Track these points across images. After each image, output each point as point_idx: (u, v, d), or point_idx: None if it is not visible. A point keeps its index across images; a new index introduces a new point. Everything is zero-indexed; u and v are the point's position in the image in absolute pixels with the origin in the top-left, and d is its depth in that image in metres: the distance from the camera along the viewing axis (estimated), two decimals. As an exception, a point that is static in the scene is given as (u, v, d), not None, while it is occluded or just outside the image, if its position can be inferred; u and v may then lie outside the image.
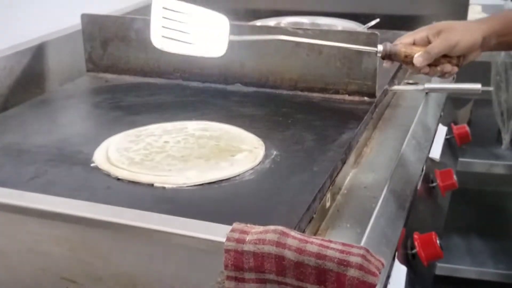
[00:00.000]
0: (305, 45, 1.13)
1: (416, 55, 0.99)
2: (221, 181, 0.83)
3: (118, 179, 0.84)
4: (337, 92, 1.14)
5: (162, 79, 1.23)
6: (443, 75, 1.02)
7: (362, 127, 1.02)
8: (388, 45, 1.00)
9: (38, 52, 1.21)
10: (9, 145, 0.94)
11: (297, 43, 1.13)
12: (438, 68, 1.01)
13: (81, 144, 0.94)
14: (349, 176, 0.95)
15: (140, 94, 1.16)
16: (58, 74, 1.26)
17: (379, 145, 1.06)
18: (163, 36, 1.01)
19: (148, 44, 1.21)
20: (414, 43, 1.02)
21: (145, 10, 1.30)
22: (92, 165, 0.88)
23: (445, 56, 1.00)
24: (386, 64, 1.03)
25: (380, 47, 0.99)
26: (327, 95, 1.14)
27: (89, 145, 0.93)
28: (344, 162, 0.92)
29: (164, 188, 0.82)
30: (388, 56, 0.99)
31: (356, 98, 1.12)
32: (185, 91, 1.17)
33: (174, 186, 0.82)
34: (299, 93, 1.15)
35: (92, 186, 0.83)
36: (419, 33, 1.02)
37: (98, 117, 1.08)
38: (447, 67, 1.00)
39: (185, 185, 0.82)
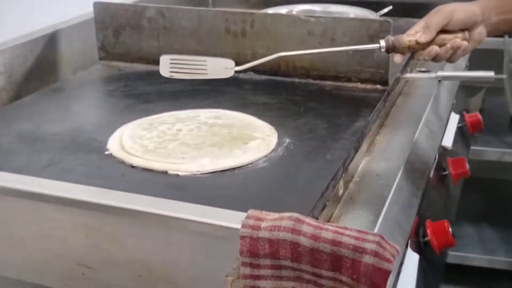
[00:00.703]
0: (318, 33, 1.13)
1: (418, 35, 0.98)
2: (234, 168, 0.84)
3: (132, 166, 0.85)
4: (349, 80, 1.14)
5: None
6: (456, 53, 1.00)
7: (375, 115, 1.02)
8: (390, 38, 0.99)
9: (51, 41, 1.22)
10: (23, 133, 0.95)
11: (310, 31, 1.13)
12: (448, 45, 0.99)
13: (94, 132, 0.95)
14: (361, 164, 0.96)
15: (153, 82, 1.17)
16: (71, 62, 1.27)
17: (391, 133, 1.07)
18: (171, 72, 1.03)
19: (160, 32, 1.23)
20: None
21: (157, -2, 1.31)
22: (106, 153, 0.88)
23: (449, 32, 0.99)
24: (396, 58, 1.01)
25: (382, 42, 0.99)
26: (339, 83, 1.14)
27: (103, 133, 0.94)
28: (356, 150, 0.92)
29: (178, 175, 0.82)
30: (392, 48, 0.99)
31: (369, 86, 1.13)
32: (197, 80, 1.18)
33: (188, 173, 0.83)
34: (311, 81, 1.16)
35: (107, 174, 0.84)
36: (420, 23, 1.01)
37: (111, 105, 1.09)
38: (457, 41, 0.99)
39: (198, 173, 0.83)
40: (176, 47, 1.22)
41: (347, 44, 1.11)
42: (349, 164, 0.89)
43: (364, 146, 0.97)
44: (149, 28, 1.23)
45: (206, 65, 1.02)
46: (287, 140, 0.92)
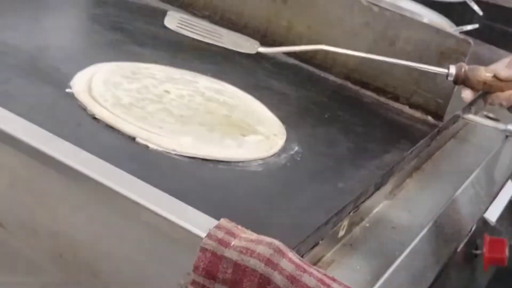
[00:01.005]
0: (377, 27, 1.13)
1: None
2: (220, 162, 0.84)
3: (94, 118, 0.85)
4: (396, 99, 1.14)
5: (187, 11, 1.24)
6: None
7: (414, 152, 1.02)
8: (464, 66, 0.99)
9: None
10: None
11: (367, 23, 1.13)
12: None
13: (61, 60, 0.95)
14: (378, 207, 0.96)
15: (154, 21, 1.17)
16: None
17: (427, 181, 1.07)
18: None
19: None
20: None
21: None
22: (67, 90, 0.88)
23: None
24: (465, 94, 1.01)
25: (452, 69, 0.98)
26: (382, 99, 1.15)
27: (71, 64, 0.94)
28: (377, 188, 0.92)
29: (147, 147, 0.82)
30: (463, 80, 0.99)
31: (418, 114, 1.13)
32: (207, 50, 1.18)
33: (160, 149, 0.83)
34: (350, 85, 1.16)
35: (59, 116, 0.84)
36: (506, 59, 1.00)
37: (92, 34, 1.09)
38: None
39: (173, 152, 0.83)
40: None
41: (408, 54, 1.12)
42: (362, 202, 0.89)
43: (388, 186, 0.98)
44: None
45: (223, 36, 1.03)
46: (296, 148, 0.92)
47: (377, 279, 0.83)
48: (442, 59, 1.09)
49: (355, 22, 1.14)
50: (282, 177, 0.86)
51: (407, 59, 1.11)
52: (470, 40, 1.11)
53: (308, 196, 0.84)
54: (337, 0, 1.16)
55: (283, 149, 0.91)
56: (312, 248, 0.79)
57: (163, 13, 1.21)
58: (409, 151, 1.00)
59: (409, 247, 0.91)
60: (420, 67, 1.05)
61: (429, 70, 1.05)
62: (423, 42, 1.11)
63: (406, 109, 1.14)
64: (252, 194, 0.82)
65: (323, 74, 1.17)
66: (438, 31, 1.13)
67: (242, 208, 0.79)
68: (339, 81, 1.16)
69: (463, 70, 0.98)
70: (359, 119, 1.06)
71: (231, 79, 1.04)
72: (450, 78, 0.99)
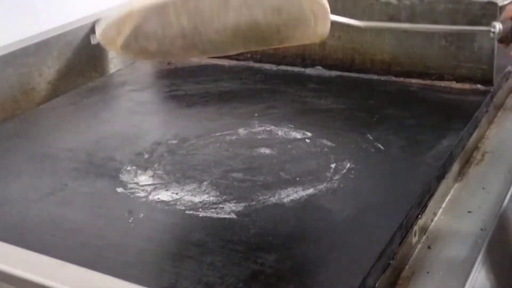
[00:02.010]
0: (402, 19, 0.89)
1: None
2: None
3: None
4: (441, 78, 0.90)
5: (230, 60, 1.04)
6: None
7: (471, 128, 0.78)
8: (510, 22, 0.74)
9: (93, 31, 1.06)
10: (36, 147, 0.80)
11: (391, 17, 0.90)
12: None
13: (115, 147, 0.78)
14: (449, 194, 0.72)
15: (202, 79, 0.98)
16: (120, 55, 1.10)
17: (496, 149, 0.82)
18: None
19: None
20: None
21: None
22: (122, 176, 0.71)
23: None
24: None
25: (497, 26, 0.73)
26: (428, 82, 0.90)
27: (124, 148, 0.78)
28: (440, 180, 0.69)
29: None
30: (509, 38, 0.73)
31: (467, 85, 0.88)
32: (254, 76, 0.98)
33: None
34: (393, 78, 0.93)
35: (111, 211, 0.66)
36: None
37: (146, 113, 0.90)
38: None
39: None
40: (233, 37, 1.03)
41: (438, 33, 0.87)
42: (428, 200, 0.67)
43: (455, 167, 0.74)
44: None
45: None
46: (348, 165, 0.70)
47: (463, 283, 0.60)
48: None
49: (380, 20, 0.91)
50: (336, 203, 0.65)
51: (437, 39, 0.88)
52: (497, 1, 0.85)
53: (371, 213, 0.63)
54: (356, 5, 0.93)
55: (335, 171, 0.69)
56: (384, 271, 0.58)
57: (211, 68, 1.03)
58: (465, 128, 0.76)
59: (491, 230, 0.67)
60: (461, 30, 0.81)
61: (469, 31, 0.80)
62: (449, 17, 0.86)
63: (454, 84, 0.89)
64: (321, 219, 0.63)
65: (365, 76, 0.94)
66: (460, 2, 0.87)
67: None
68: (382, 78, 0.92)
69: (510, 25, 0.73)
70: (408, 112, 0.83)
71: (277, 113, 0.84)
72: (494, 35, 0.73)
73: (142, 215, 0.65)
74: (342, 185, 0.67)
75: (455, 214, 0.69)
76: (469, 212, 0.69)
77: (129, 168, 0.73)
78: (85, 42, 1.04)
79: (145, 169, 0.72)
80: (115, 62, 1.09)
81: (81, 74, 1.04)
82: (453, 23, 0.86)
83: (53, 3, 1.02)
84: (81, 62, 1.03)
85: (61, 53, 1.01)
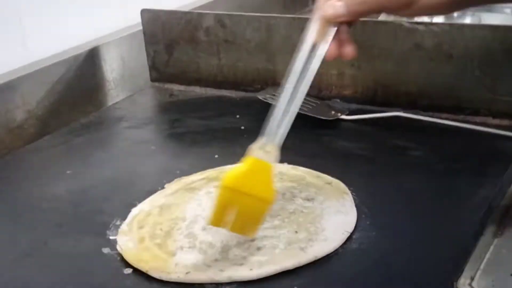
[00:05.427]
0: (428, 46, 0.81)
1: None
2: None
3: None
4: (476, 113, 0.81)
5: (239, 92, 0.97)
6: None
7: (511, 173, 0.69)
8: None
9: (88, 61, 0.99)
10: (17, 196, 0.73)
11: (417, 44, 0.82)
12: None
13: (105, 198, 0.71)
14: (487, 253, 0.64)
15: (206, 114, 0.91)
16: (118, 86, 1.03)
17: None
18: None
19: (221, 47, 0.97)
20: None
21: (217, 3, 1.05)
22: (111, 237, 0.63)
23: None
24: None
25: None
26: (460, 117, 0.82)
27: (114, 198, 0.70)
28: (477, 237, 0.61)
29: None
30: None
31: (505, 122, 0.79)
32: (265, 110, 0.90)
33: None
34: (421, 113, 0.84)
35: (94, 275, 0.58)
36: None
37: (142, 155, 0.82)
38: None
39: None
40: (241, 66, 0.95)
41: (471, 62, 0.79)
42: (464, 264, 0.58)
43: (492, 225, 0.65)
44: (207, 41, 0.97)
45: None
46: (367, 222, 0.62)
47: None
48: (509, 56, 0.75)
49: (405, 47, 0.83)
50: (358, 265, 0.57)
51: (470, 68, 0.79)
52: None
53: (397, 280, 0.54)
54: (379, 31, 0.85)
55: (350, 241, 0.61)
56: None
57: (217, 100, 0.95)
58: (504, 175, 0.68)
59: (540, 299, 0.58)
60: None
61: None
62: (483, 45, 0.78)
63: (490, 120, 0.80)
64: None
65: (389, 111, 0.85)
66: (497, 27, 0.79)
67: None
68: (407, 115, 0.83)
69: None
70: (437, 153, 0.74)
71: (287, 155, 0.75)
72: None
73: (129, 282, 0.57)
74: (362, 246, 0.59)
75: (496, 277, 0.61)
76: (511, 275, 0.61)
77: (118, 222, 0.65)
78: (79, 73, 0.97)
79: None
80: (112, 94, 1.02)
81: (74, 108, 0.96)
82: (487, 51, 0.77)
83: (43, 30, 0.94)
84: (73, 96, 0.96)
85: (52, 86, 0.94)
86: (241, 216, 0.56)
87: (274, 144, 0.59)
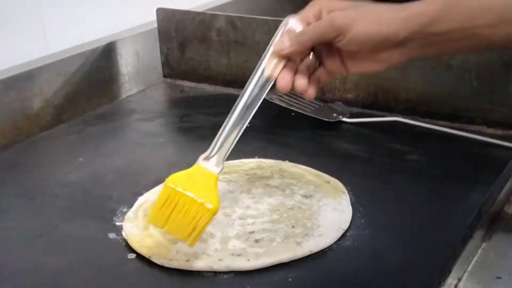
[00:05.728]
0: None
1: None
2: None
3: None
4: (472, 122, 0.84)
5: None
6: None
7: (502, 180, 0.72)
8: None
9: (105, 55, 1.02)
10: (31, 181, 0.76)
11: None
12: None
13: (113, 185, 0.74)
14: (475, 256, 0.66)
15: (215, 111, 0.93)
16: (132, 80, 1.06)
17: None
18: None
19: (231, 47, 1.00)
20: None
21: (229, 6, 1.08)
22: (117, 223, 0.66)
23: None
24: None
25: None
26: (457, 125, 0.84)
27: (123, 186, 0.73)
28: (465, 241, 0.63)
29: None
30: None
31: (499, 131, 0.82)
32: (270, 109, 0.93)
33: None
34: (419, 119, 0.86)
35: (104, 263, 0.61)
36: None
37: (151, 146, 0.85)
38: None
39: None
40: (249, 67, 0.98)
41: (470, 73, 0.81)
42: (452, 265, 0.60)
43: (482, 229, 0.68)
44: (219, 41, 1.00)
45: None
46: (362, 220, 0.65)
47: None
48: (507, 68, 0.78)
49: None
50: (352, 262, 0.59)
51: (468, 79, 0.82)
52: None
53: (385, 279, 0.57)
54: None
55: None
56: None
57: (226, 98, 0.98)
58: (496, 181, 0.70)
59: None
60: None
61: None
62: (481, 56, 0.80)
63: (485, 129, 0.83)
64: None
65: (388, 116, 0.88)
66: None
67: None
68: (406, 120, 0.86)
69: None
70: (432, 158, 0.77)
71: (288, 153, 0.79)
72: None
73: (132, 267, 0.60)
74: (356, 243, 0.61)
75: (482, 280, 0.63)
76: (497, 278, 0.63)
77: (125, 210, 0.68)
78: (96, 65, 1.01)
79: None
80: (125, 87, 1.05)
81: (89, 99, 1.00)
82: (486, 63, 0.80)
83: (63, 24, 0.98)
84: (89, 87, 1.00)
85: (69, 77, 0.97)
86: (178, 215, 0.58)
87: (219, 157, 0.62)
